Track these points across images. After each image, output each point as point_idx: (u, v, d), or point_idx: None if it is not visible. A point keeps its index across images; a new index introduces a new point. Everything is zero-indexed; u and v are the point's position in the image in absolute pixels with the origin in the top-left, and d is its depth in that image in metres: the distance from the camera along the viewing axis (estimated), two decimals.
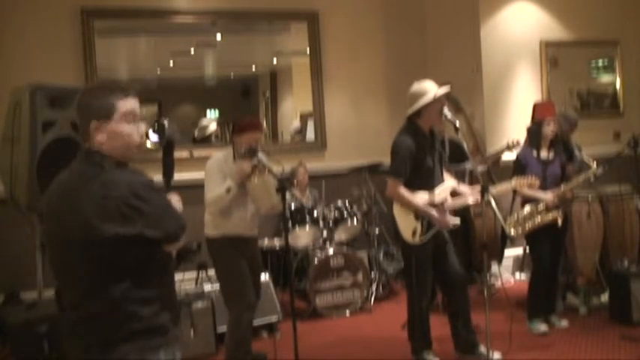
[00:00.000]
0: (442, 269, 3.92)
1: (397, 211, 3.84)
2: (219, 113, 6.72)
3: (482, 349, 3.87)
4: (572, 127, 4.95)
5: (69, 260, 1.87)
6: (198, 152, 5.66)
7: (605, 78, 6.78)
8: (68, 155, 1.99)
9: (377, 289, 5.52)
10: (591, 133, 5.93)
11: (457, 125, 3.66)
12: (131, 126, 1.92)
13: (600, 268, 5.01)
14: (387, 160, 3.96)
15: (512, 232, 4.29)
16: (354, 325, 4.97)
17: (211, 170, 3.79)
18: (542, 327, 4.44)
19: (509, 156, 4.97)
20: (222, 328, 4.25)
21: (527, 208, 4.37)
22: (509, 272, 6.09)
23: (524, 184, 4.10)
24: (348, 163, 5.96)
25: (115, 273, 1.84)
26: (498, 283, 5.56)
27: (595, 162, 4.51)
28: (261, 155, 3.68)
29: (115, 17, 5.76)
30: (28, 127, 3.87)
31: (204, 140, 6.23)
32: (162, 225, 1.88)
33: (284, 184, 3.47)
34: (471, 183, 4.91)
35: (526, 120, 4.69)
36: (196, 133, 6.29)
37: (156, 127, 2.25)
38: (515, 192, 4.57)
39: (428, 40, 6.81)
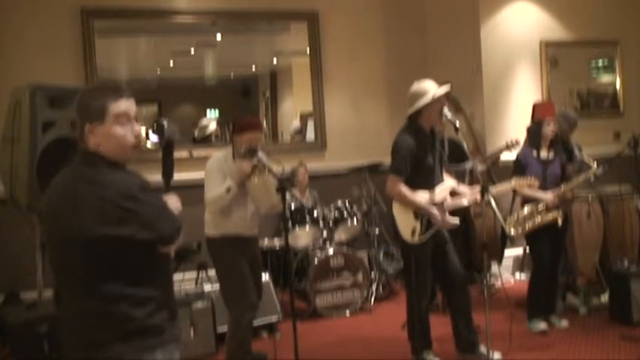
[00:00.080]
0: (442, 269, 3.92)
1: (396, 210, 3.84)
2: (219, 113, 6.73)
3: (483, 348, 3.87)
4: (572, 127, 4.95)
5: (64, 260, 1.90)
6: (198, 152, 5.66)
7: (605, 78, 6.78)
8: (68, 155, 1.99)
9: (377, 289, 5.52)
10: (591, 133, 5.93)
11: (457, 125, 3.66)
12: (124, 128, 1.91)
13: (600, 268, 5.01)
14: (387, 160, 3.96)
15: (512, 232, 4.29)
16: (354, 325, 4.97)
17: (211, 170, 3.79)
18: (542, 325, 4.44)
19: (508, 156, 4.97)
20: (222, 328, 4.25)
21: (527, 208, 4.37)
22: (509, 272, 6.09)
23: (524, 184, 4.10)
24: (348, 163, 5.96)
25: (108, 273, 1.85)
26: (498, 283, 5.56)
27: (595, 162, 4.51)
28: (261, 155, 3.68)
29: (115, 17, 5.76)
30: (28, 127, 3.87)
31: (204, 140, 6.24)
32: (157, 226, 1.89)
33: (284, 184, 3.47)
34: (471, 183, 4.91)
35: (526, 120, 4.69)
36: (196, 133, 6.29)
37: (155, 128, 2.25)
38: (515, 192, 4.58)
39: (428, 40, 6.81)
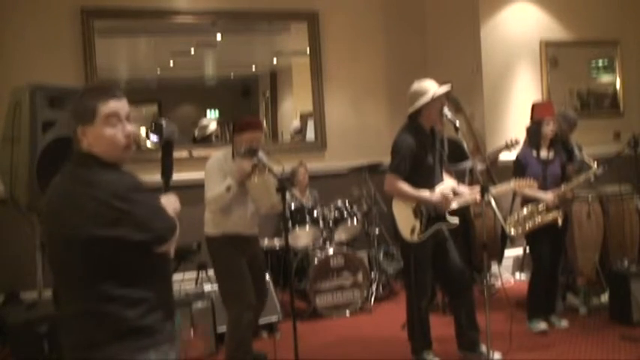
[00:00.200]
0: (443, 267, 3.92)
1: (396, 209, 3.84)
2: (219, 113, 6.73)
3: (483, 348, 3.86)
4: (572, 127, 4.95)
5: (62, 260, 1.91)
6: (198, 152, 5.67)
7: (605, 78, 6.78)
8: (68, 155, 2.00)
9: (377, 289, 5.52)
10: (591, 133, 5.93)
11: (457, 125, 3.66)
12: (114, 128, 1.91)
13: (600, 268, 5.00)
14: (387, 160, 3.96)
15: (512, 232, 4.29)
16: (354, 325, 4.97)
17: (211, 169, 3.79)
18: (542, 325, 4.44)
19: (508, 156, 4.96)
20: (222, 328, 4.25)
21: (527, 208, 4.37)
22: (509, 272, 6.09)
23: (524, 185, 4.09)
24: (348, 163, 5.96)
25: (102, 274, 1.86)
26: (498, 283, 5.56)
27: (595, 162, 4.51)
28: (261, 155, 3.69)
29: (115, 17, 5.76)
30: (28, 127, 3.87)
31: (205, 140, 6.24)
32: (150, 227, 1.89)
33: (284, 184, 3.47)
34: (471, 183, 4.91)
35: (526, 120, 4.69)
36: (196, 133, 6.30)
37: (153, 127, 2.25)
38: (515, 192, 4.57)
39: (428, 40, 6.81)
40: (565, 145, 4.74)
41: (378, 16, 6.66)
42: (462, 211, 4.48)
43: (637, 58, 6.80)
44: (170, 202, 2.10)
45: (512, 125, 5.95)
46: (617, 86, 6.78)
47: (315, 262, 5.08)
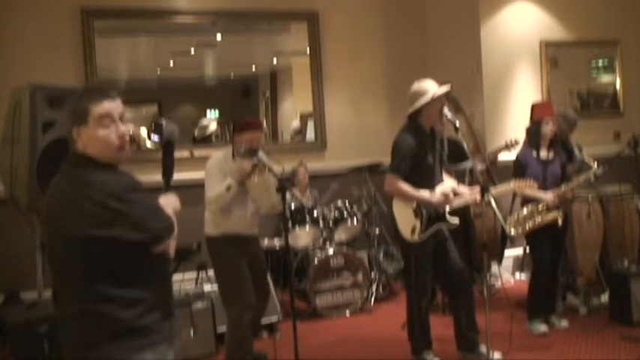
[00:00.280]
0: (444, 267, 3.92)
1: (396, 209, 3.84)
2: (219, 113, 6.73)
3: (483, 348, 3.86)
4: (572, 127, 4.95)
5: (60, 260, 1.92)
6: (199, 152, 5.67)
7: (605, 78, 6.78)
8: (67, 156, 2.00)
9: (377, 289, 5.52)
10: (591, 133, 5.93)
11: (457, 125, 3.66)
12: (107, 129, 1.91)
13: (600, 268, 5.00)
14: (387, 160, 3.96)
15: (513, 232, 4.29)
16: (354, 325, 4.97)
17: (212, 169, 3.80)
18: (542, 327, 4.44)
19: (508, 156, 4.96)
20: (222, 328, 4.25)
21: (527, 208, 4.37)
22: (509, 272, 6.09)
23: (524, 186, 4.09)
24: (348, 163, 5.96)
25: (99, 274, 1.86)
26: (498, 283, 5.56)
27: (595, 162, 4.51)
28: (261, 155, 3.69)
29: (115, 17, 5.76)
30: (28, 127, 3.87)
31: (205, 140, 6.24)
32: (146, 227, 1.89)
33: (284, 183, 3.47)
34: (471, 183, 4.91)
35: (526, 120, 4.69)
36: (196, 133, 6.30)
37: (153, 128, 2.25)
38: (515, 192, 4.57)
39: (428, 40, 6.81)
40: (565, 145, 4.74)
41: (378, 16, 6.66)
42: (462, 211, 4.48)
43: (637, 58, 6.80)
44: (170, 202, 2.11)
45: (512, 125, 5.95)
46: (617, 86, 6.78)
47: (315, 262, 5.08)
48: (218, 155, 3.87)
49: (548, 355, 4.05)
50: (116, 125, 1.93)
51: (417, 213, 3.77)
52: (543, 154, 4.48)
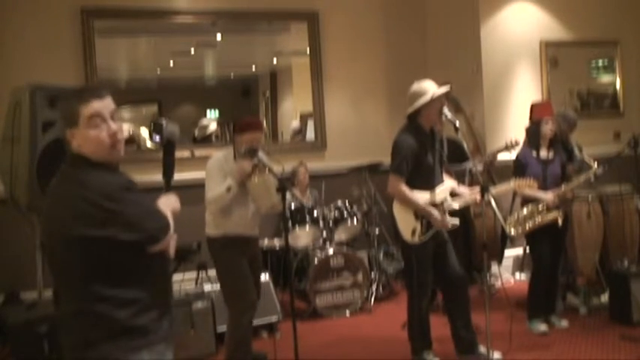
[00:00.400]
0: (442, 269, 3.92)
1: (397, 210, 3.84)
2: (219, 113, 6.72)
3: (482, 349, 3.86)
4: (572, 127, 4.96)
5: (57, 260, 1.93)
6: (199, 152, 5.67)
7: (605, 78, 6.78)
8: (66, 156, 2.00)
9: (377, 289, 5.52)
10: (591, 133, 5.93)
11: (457, 125, 3.66)
12: (97, 129, 1.91)
13: (600, 268, 5.01)
14: (387, 160, 3.96)
15: (513, 232, 4.29)
16: (354, 325, 4.97)
17: (212, 169, 3.79)
18: (542, 327, 4.44)
19: (508, 156, 4.96)
20: (222, 328, 4.25)
21: (527, 208, 4.37)
22: (509, 272, 6.09)
23: (524, 185, 4.09)
24: (348, 163, 5.96)
25: (93, 274, 1.87)
26: (498, 283, 5.56)
27: (595, 162, 4.51)
28: (261, 155, 3.69)
29: (115, 17, 5.76)
30: (28, 127, 3.87)
31: (205, 140, 6.24)
32: (140, 227, 1.88)
33: (284, 184, 3.48)
34: (471, 183, 4.91)
35: (526, 120, 4.69)
36: (196, 133, 6.30)
37: (153, 128, 2.24)
38: (515, 192, 4.57)
39: (428, 40, 6.81)
40: (565, 145, 4.74)
41: (378, 16, 6.66)
42: (462, 212, 4.48)
43: (637, 58, 6.81)
44: (170, 203, 2.10)
45: (512, 125, 5.95)
46: (617, 86, 6.78)
47: (315, 262, 5.08)
48: (218, 155, 3.87)
49: (548, 355, 4.05)
50: (107, 124, 1.92)
51: (418, 215, 3.77)
52: (543, 154, 4.48)
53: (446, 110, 3.72)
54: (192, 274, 5.16)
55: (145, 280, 1.95)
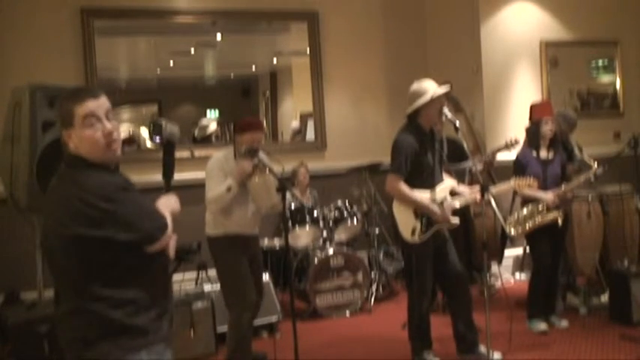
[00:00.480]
0: (443, 268, 3.92)
1: (397, 209, 3.84)
2: (219, 113, 6.73)
3: (483, 348, 3.86)
4: (572, 127, 4.96)
5: (56, 260, 1.93)
6: (199, 152, 5.66)
7: (605, 78, 6.78)
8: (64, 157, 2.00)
9: (377, 289, 5.52)
10: (591, 133, 5.93)
11: (457, 125, 3.66)
12: (92, 129, 1.90)
13: (600, 268, 5.01)
14: (387, 160, 3.96)
15: (513, 232, 4.29)
16: (354, 325, 4.97)
17: (212, 169, 3.80)
18: (542, 325, 4.45)
19: (507, 156, 4.96)
20: (222, 328, 4.25)
21: (527, 208, 4.37)
22: (509, 272, 6.09)
23: (524, 184, 4.10)
24: (348, 163, 5.96)
25: (90, 274, 1.87)
26: (498, 283, 5.56)
27: (595, 162, 4.51)
28: (261, 155, 3.70)
29: (115, 17, 5.76)
30: (28, 127, 3.86)
31: (205, 140, 6.24)
32: (136, 227, 1.88)
33: (284, 184, 3.48)
34: (471, 183, 4.91)
35: (526, 120, 4.69)
36: (196, 133, 6.30)
37: (152, 128, 2.24)
38: (515, 192, 4.57)
39: (428, 40, 6.81)
40: (565, 145, 4.74)
41: (378, 16, 6.66)
42: (462, 211, 4.48)
43: (637, 58, 6.81)
44: (170, 203, 2.10)
45: (512, 125, 5.96)
46: (617, 86, 6.78)
47: (315, 262, 5.08)
48: (218, 155, 3.88)
49: (548, 355, 4.05)
50: (102, 124, 1.91)
51: (418, 214, 3.77)
52: (543, 154, 4.48)
53: (446, 110, 3.71)
54: (192, 274, 5.16)
55: (144, 280, 1.94)
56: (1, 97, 4.49)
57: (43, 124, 3.90)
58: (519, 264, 6.06)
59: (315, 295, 5.07)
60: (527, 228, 4.34)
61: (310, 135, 6.51)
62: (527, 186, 4.11)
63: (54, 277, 1.98)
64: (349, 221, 5.45)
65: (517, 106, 6.07)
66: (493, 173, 5.31)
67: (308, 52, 6.40)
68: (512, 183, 4.10)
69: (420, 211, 3.76)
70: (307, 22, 6.38)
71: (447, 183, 3.92)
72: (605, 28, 6.59)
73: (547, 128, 4.44)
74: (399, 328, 4.46)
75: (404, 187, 3.74)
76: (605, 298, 4.85)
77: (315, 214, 5.34)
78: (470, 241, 5.43)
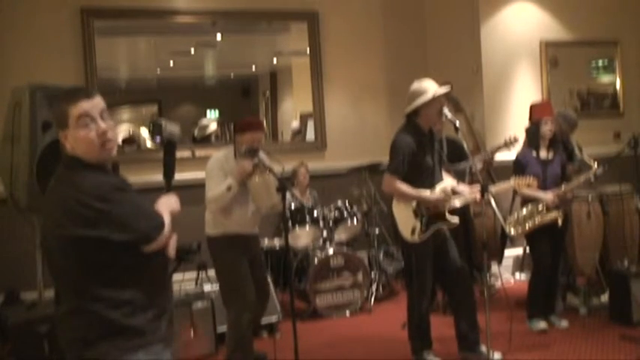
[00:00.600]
0: (444, 266, 3.91)
1: (396, 209, 3.83)
2: (219, 113, 6.73)
3: (483, 348, 3.86)
4: (572, 127, 4.96)
5: (55, 260, 1.94)
6: (199, 152, 5.67)
7: (605, 78, 6.78)
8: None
9: (377, 289, 5.52)
10: (591, 133, 5.93)
11: (457, 125, 3.66)
12: (86, 129, 1.90)
13: (600, 268, 5.00)
14: (386, 160, 3.96)
15: (512, 231, 4.29)
16: (354, 325, 4.97)
17: (212, 169, 3.80)
18: (542, 324, 4.45)
19: (507, 156, 4.96)
20: (222, 328, 4.25)
21: (527, 208, 4.37)
22: (509, 272, 6.09)
23: (523, 184, 4.09)
24: (348, 163, 5.96)
25: (87, 274, 1.87)
26: (498, 283, 5.56)
27: (595, 162, 4.51)
28: (262, 155, 3.70)
29: (115, 17, 5.76)
30: (28, 127, 3.87)
31: (205, 140, 6.24)
32: (132, 226, 1.88)
33: (284, 184, 3.48)
34: (471, 183, 4.90)
35: (526, 120, 4.70)
36: (196, 133, 6.30)
37: (151, 128, 2.25)
38: (515, 192, 4.56)
39: (427, 40, 6.81)
40: (565, 145, 4.74)
41: (378, 16, 6.66)
42: (462, 211, 4.48)
43: (637, 58, 6.81)
44: (170, 203, 2.10)
45: (512, 125, 5.95)
46: (617, 86, 6.78)
47: (315, 262, 5.08)
48: (219, 155, 3.88)
49: (548, 355, 4.05)
50: (96, 124, 1.91)
51: (417, 213, 3.77)
52: (543, 154, 4.48)
53: (446, 110, 3.71)
54: (192, 274, 5.16)
55: (142, 280, 1.94)
56: (1, 97, 4.49)
57: (43, 124, 3.90)
58: (519, 264, 6.06)
59: (315, 295, 5.07)
60: (527, 228, 4.34)
61: (310, 135, 6.51)
62: (527, 185, 4.11)
63: (54, 278, 1.98)
64: (349, 221, 5.45)
65: (517, 106, 6.07)
66: (493, 173, 5.31)
67: (308, 52, 6.40)
68: (511, 182, 4.10)
69: (420, 210, 3.76)
70: (307, 22, 6.38)
71: (447, 182, 3.92)
72: (605, 28, 6.59)
73: (547, 128, 4.44)
74: (399, 328, 4.46)
75: (400, 184, 3.73)
76: (605, 298, 4.85)
77: (315, 214, 5.34)
78: (470, 240, 5.42)
